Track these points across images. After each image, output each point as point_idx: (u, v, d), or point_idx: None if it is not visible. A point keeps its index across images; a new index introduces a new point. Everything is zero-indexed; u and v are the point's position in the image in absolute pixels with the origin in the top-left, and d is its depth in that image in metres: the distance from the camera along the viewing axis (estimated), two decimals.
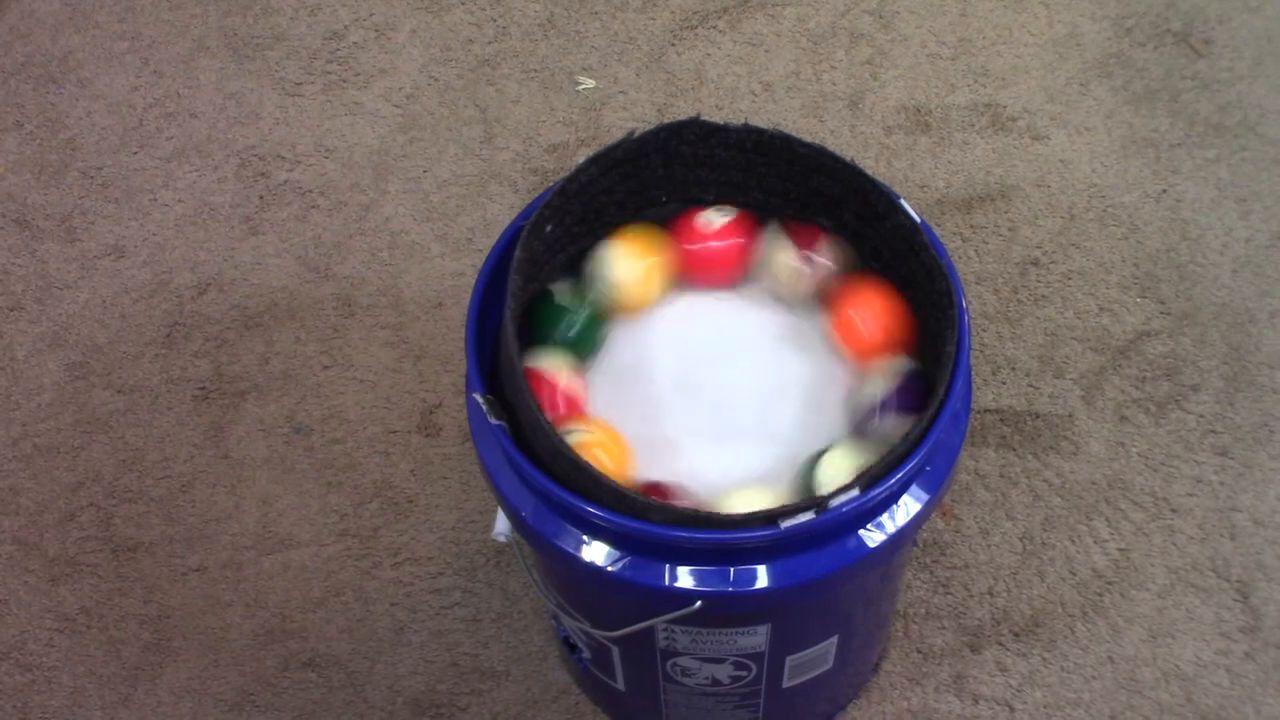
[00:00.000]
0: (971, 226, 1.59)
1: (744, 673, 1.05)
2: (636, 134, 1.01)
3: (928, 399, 0.91)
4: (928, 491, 0.93)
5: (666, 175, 1.05)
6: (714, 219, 1.06)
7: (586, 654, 1.14)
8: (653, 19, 1.82)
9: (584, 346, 1.03)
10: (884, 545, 0.91)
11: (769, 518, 0.86)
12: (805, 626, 1.03)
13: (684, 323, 1.06)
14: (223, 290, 1.59)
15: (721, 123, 1.02)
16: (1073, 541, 1.36)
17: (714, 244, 1.06)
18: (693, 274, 1.07)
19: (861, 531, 0.91)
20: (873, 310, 1.02)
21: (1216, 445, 1.41)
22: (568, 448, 0.87)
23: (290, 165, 1.70)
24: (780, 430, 1.00)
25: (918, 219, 0.97)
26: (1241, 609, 1.31)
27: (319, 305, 1.57)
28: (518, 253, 0.95)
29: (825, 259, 1.04)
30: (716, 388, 1.02)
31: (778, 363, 1.03)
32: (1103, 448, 1.41)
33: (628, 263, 1.05)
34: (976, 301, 1.52)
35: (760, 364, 1.03)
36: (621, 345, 1.05)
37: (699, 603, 0.90)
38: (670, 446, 0.99)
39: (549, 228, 1.00)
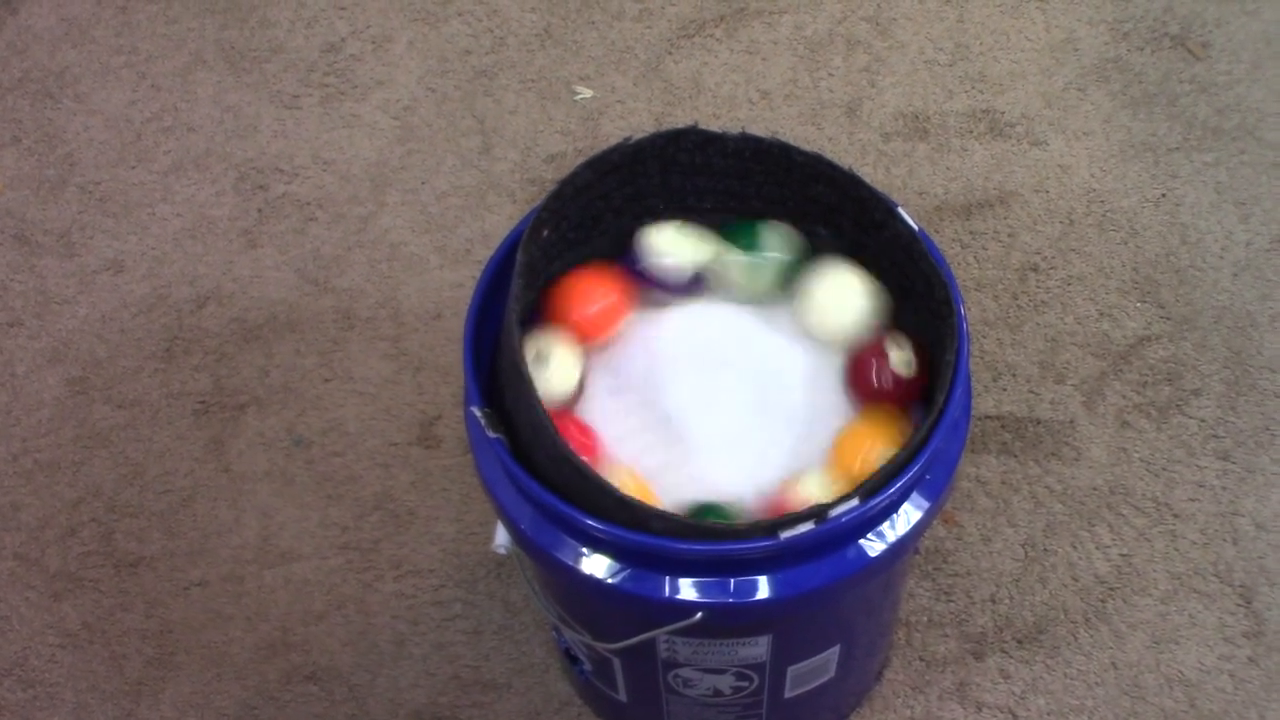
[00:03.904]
0: (970, 233, 1.58)
1: (746, 683, 1.05)
2: (633, 140, 1.01)
3: None
4: (928, 500, 0.93)
5: (664, 183, 1.05)
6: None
7: (588, 665, 1.14)
8: (649, 28, 1.82)
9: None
10: (884, 554, 0.91)
11: (769, 528, 0.86)
12: (807, 636, 1.03)
13: (692, 329, 1.05)
14: (222, 303, 1.59)
15: (719, 131, 1.02)
16: (1075, 548, 1.35)
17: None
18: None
19: (862, 541, 0.91)
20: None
21: (1218, 450, 1.41)
22: (570, 451, 0.87)
23: (288, 178, 1.70)
24: (772, 447, 0.99)
25: (915, 227, 0.97)
26: (1245, 614, 1.31)
27: (318, 318, 1.57)
28: (519, 256, 0.95)
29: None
30: (716, 395, 1.02)
31: (765, 363, 1.03)
32: (1104, 453, 1.41)
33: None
34: (976, 308, 1.52)
35: (749, 367, 1.03)
36: (624, 346, 1.05)
37: (700, 614, 0.89)
38: (666, 449, 0.99)
39: (545, 232, 0.99)
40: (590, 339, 1.03)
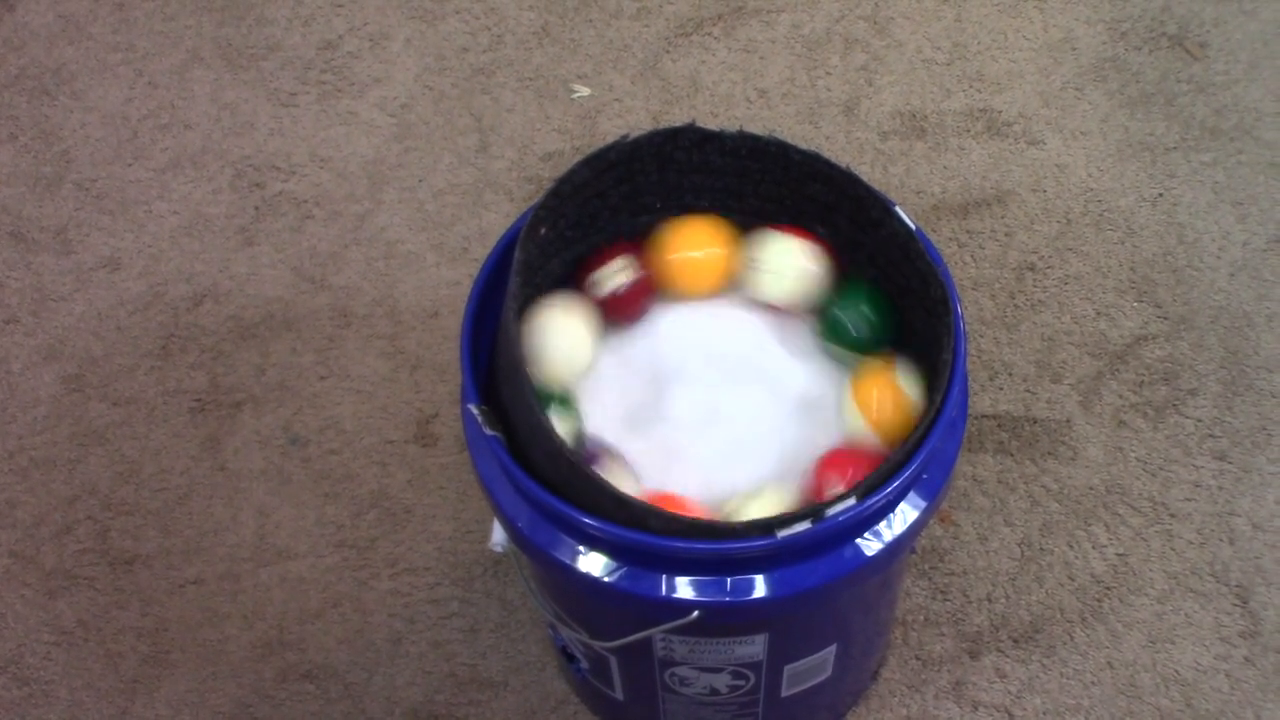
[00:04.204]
0: (968, 232, 1.58)
1: (742, 682, 1.05)
2: (630, 138, 1.01)
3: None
4: (925, 499, 0.93)
5: (661, 181, 1.05)
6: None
7: (585, 664, 1.14)
8: (647, 26, 1.82)
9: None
10: (881, 554, 0.91)
11: (766, 527, 0.85)
12: (803, 635, 1.03)
13: (672, 334, 1.05)
14: (218, 301, 1.59)
15: (716, 129, 1.02)
16: (1071, 547, 1.35)
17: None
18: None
19: (859, 540, 0.90)
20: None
21: (1214, 449, 1.41)
22: (568, 449, 0.87)
23: (285, 176, 1.70)
24: (776, 436, 0.99)
25: (912, 226, 0.97)
26: (1241, 614, 1.31)
27: (315, 315, 1.57)
28: (517, 253, 0.94)
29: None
30: (710, 396, 1.02)
31: (769, 368, 1.03)
32: (1100, 453, 1.41)
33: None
34: (973, 307, 1.52)
35: (752, 371, 1.03)
36: (611, 361, 1.05)
37: (696, 613, 0.89)
38: (666, 458, 0.99)
39: (543, 230, 0.99)
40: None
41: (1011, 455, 1.41)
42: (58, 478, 1.47)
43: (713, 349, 1.04)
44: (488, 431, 0.92)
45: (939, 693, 1.28)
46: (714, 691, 1.07)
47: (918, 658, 1.30)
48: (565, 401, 0.99)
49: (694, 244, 1.06)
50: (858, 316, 1.02)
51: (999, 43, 1.77)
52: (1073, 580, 1.34)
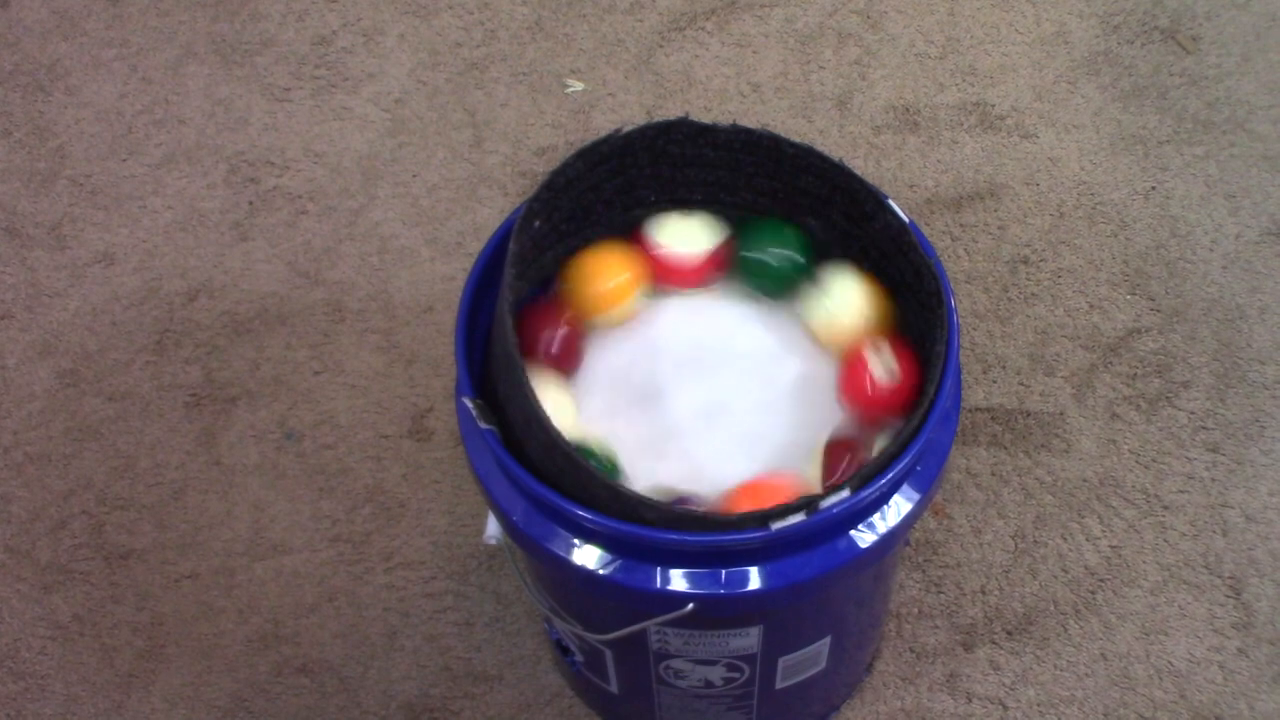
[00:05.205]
0: (961, 225, 1.59)
1: (737, 674, 1.05)
2: (624, 131, 1.01)
3: None
4: (918, 491, 0.93)
5: (654, 174, 1.05)
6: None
7: (579, 657, 1.14)
8: (640, 21, 1.82)
9: (767, 277, 1.06)
10: (875, 546, 0.91)
11: (760, 519, 0.86)
12: (798, 627, 1.03)
13: (665, 328, 1.06)
14: (213, 296, 1.59)
15: (710, 122, 1.02)
16: (1065, 539, 1.36)
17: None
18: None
19: (853, 532, 0.91)
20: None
21: (1208, 441, 1.41)
22: (564, 440, 0.87)
23: (279, 171, 1.70)
24: (769, 425, 1.00)
25: (906, 219, 0.97)
26: (1234, 605, 1.31)
27: (309, 311, 1.57)
28: (511, 245, 0.95)
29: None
30: (705, 388, 1.02)
31: (762, 359, 1.03)
32: (1094, 445, 1.42)
33: (851, 298, 1.03)
34: (967, 300, 1.52)
35: (745, 362, 1.03)
36: (605, 355, 1.05)
37: (690, 605, 0.89)
38: (663, 449, 0.99)
39: (537, 223, 0.99)
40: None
41: (1005, 448, 1.42)
42: (53, 473, 1.47)
43: (704, 341, 1.05)
44: (482, 425, 0.92)
45: (933, 685, 1.29)
46: (709, 684, 1.07)
47: (912, 650, 1.30)
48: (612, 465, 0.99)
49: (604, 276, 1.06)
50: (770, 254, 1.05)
51: (992, 36, 1.78)
52: (1066, 572, 1.34)
